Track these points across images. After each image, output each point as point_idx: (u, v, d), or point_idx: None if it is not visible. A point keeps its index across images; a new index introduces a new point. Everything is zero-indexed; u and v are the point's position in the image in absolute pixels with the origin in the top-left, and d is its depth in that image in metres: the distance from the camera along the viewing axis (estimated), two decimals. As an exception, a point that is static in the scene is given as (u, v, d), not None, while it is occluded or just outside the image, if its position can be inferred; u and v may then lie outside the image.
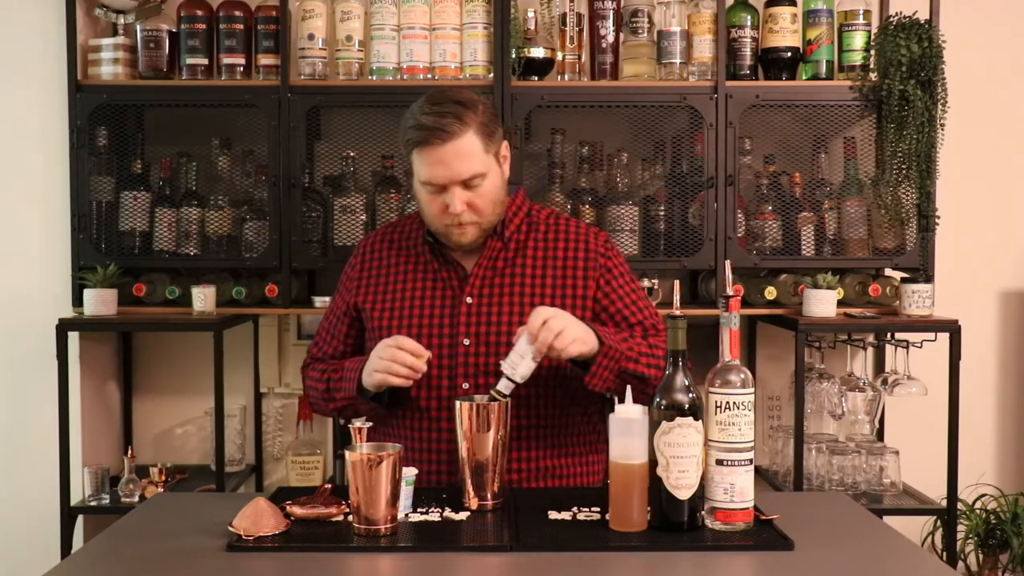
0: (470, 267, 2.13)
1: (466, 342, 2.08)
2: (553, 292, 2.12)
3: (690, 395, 1.72)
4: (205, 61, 3.06)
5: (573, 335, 1.92)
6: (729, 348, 1.75)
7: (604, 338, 1.97)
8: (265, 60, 3.05)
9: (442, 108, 2.02)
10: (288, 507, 1.81)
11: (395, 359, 1.96)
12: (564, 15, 3.05)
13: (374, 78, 3.04)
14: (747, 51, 3.06)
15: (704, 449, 1.74)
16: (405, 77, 3.02)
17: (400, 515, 1.81)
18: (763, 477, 3.15)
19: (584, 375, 2.00)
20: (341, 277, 2.27)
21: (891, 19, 3.03)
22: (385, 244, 2.23)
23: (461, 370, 2.07)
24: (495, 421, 1.87)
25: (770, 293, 3.03)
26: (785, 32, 3.05)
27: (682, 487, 1.72)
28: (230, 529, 1.72)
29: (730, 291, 1.81)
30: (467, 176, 2.03)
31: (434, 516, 1.82)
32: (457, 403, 1.89)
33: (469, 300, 2.10)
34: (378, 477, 1.69)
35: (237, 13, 3.05)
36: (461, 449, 1.88)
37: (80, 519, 3.00)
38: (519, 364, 1.93)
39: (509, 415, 1.90)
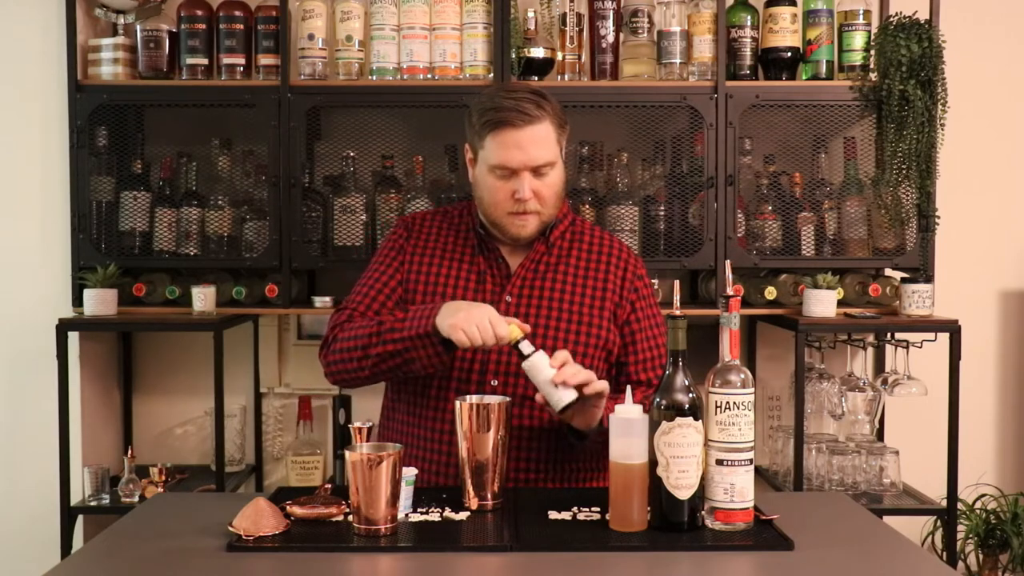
0: (514, 266, 2.15)
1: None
2: (592, 303, 2.13)
3: (690, 395, 1.72)
4: (205, 61, 3.06)
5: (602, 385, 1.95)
6: (729, 348, 1.76)
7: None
8: (265, 60, 3.05)
9: (520, 94, 2.07)
10: (288, 507, 1.81)
11: (483, 326, 1.90)
12: (564, 15, 3.05)
13: (374, 78, 3.04)
14: (747, 51, 3.06)
15: (704, 449, 1.74)
16: (405, 77, 3.02)
17: (400, 515, 1.81)
18: (763, 477, 3.15)
19: (571, 431, 2.02)
20: (386, 244, 2.23)
21: (891, 19, 3.03)
22: (434, 228, 2.22)
23: (492, 367, 2.07)
24: (495, 421, 1.87)
25: (770, 293, 3.03)
26: (785, 32, 3.05)
27: (682, 487, 1.72)
28: (230, 529, 1.72)
29: (730, 291, 1.81)
30: (541, 162, 2.05)
31: (434, 516, 1.82)
32: (457, 403, 1.89)
33: (509, 299, 2.12)
34: (378, 477, 1.69)
35: (237, 13, 3.05)
36: (461, 449, 1.88)
37: (80, 519, 3.00)
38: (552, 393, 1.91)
39: (509, 415, 1.90)
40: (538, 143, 2.04)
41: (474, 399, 1.90)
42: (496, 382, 2.08)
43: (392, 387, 2.22)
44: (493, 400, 1.90)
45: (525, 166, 2.04)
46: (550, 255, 2.17)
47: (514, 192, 2.06)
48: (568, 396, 1.87)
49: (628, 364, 2.17)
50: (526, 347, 1.90)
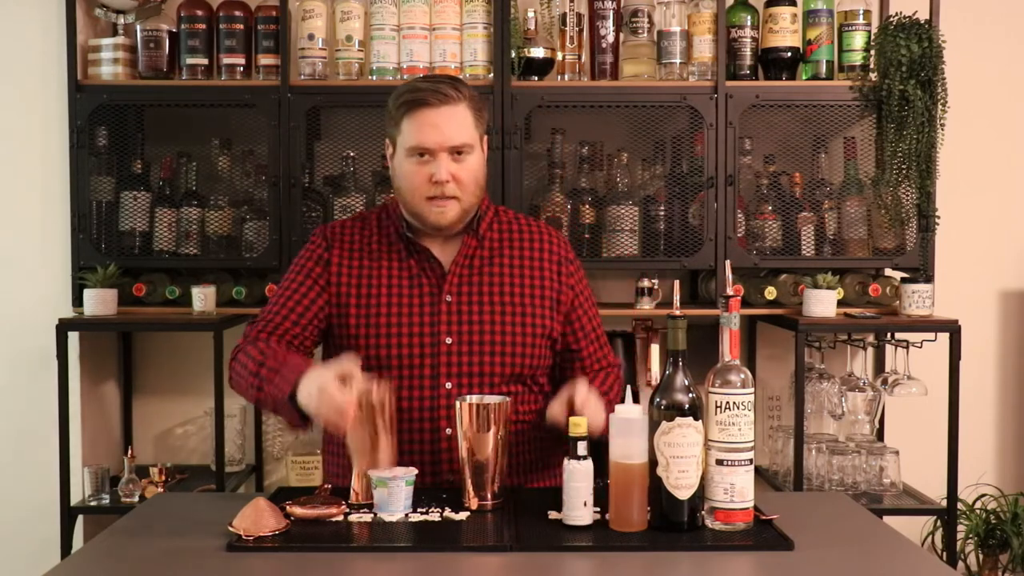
0: (447, 264, 2.11)
1: (448, 340, 2.06)
2: (532, 293, 2.12)
3: (690, 395, 1.72)
4: (205, 61, 3.06)
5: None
6: (729, 348, 1.76)
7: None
8: (265, 60, 3.05)
9: (437, 78, 2.12)
10: (288, 507, 1.81)
11: (333, 406, 1.80)
12: (564, 15, 3.05)
13: (374, 78, 3.04)
14: (747, 51, 3.06)
15: (704, 449, 1.74)
16: (405, 77, 3.02)
17: (400, 515, 1.82)
18: (763, 477, 3.15)
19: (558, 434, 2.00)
20: (303, 255, 2.15)
21: (891, 19, 3.03)
22: (356, 235, 2.16)
23: (444, 369, 2.06)
24: (495, 421, 1.87)
25: (770, 293, 3.03)
26: (785, 32, 3.05)
27: (682, 487, 1.72)
28: (230, 529, 1.72)
29: (730, 291, 1.81)
30: (458, 142, 2.04)
31: (434, 516, 1.82)
32: (457, 403, 1.89)
33: (449, 299, 2.09)
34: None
35: (237, 13, 3.05)
36: (461, 449, 1.88)
37: (80, 519, 3.00)
38: None
39: (508, 415, 1.90)
40: (455, 124, 2.04)
41: (474, 399, 1.90)
42: (450, 384, 2.05)
43: None
44: (493, 400, 1.89)
45: (441, 146, 2.03)
46: (482, 248, 2.14)
47: (431, 175, 2.03)
48: (586, 519, 1.77)
49: (581, 351, 2.18)
50: (582, 449, 1.78)
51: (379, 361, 2.05)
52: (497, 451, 1.87)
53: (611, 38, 3.06)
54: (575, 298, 2.17)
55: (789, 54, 3.06)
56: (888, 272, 3.17)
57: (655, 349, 3.10)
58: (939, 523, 3.18)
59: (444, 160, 2.03)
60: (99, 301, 2.92)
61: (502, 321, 2.08)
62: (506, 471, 1.92)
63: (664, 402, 1.72)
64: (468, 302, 2.09)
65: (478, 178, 2.09)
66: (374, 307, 2.08)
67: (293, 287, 2.12)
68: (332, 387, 1.79)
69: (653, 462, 1.73)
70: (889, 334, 3.11)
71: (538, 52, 3.03)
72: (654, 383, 3.04)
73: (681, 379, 1.73)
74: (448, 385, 2.05)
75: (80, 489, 2.98)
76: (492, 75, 3.01)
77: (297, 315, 2.09)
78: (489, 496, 1.87)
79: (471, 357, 2.06)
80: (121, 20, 3.06)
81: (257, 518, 1.72)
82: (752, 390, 1.74)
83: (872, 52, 3.04)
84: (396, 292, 2.09)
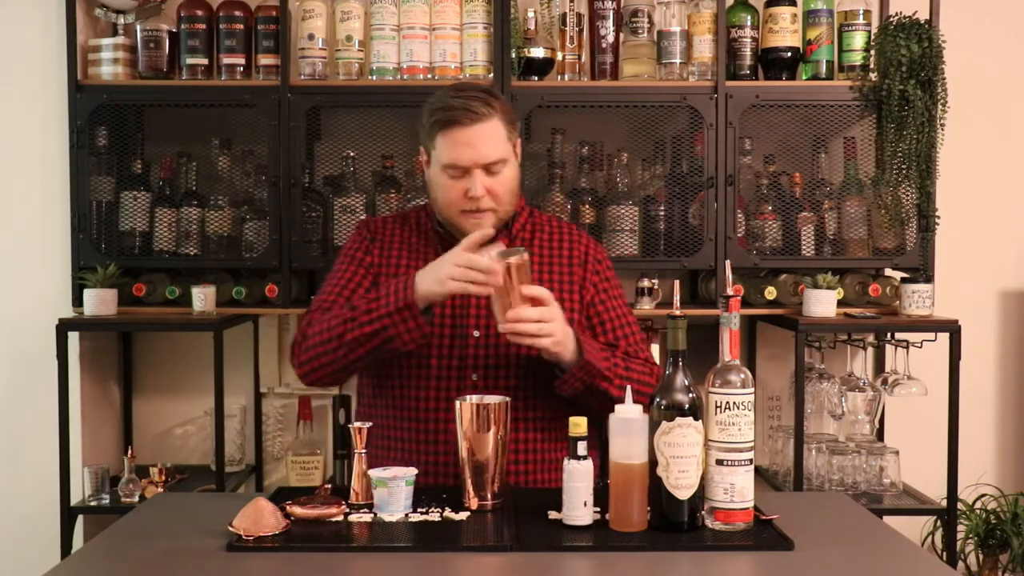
0: None
1: (476, 334, 2.10)
2: (560, 288, 2.16)
3: (690, 395, 1.72)
4: (205, 61, 3.06)
5: (554, 340, 1.97)
6: (729, 348, 1.76)
7: (586, 351, 2.00)
8: (265, 60, 3.05)
9: (469, 93, 2.09)
10: (288, 507, 1.81)
11: (472, 264, 1.92)
12: (564, 15, 3.05)
13: (374, 78, 3.04)
14: (747, 51, 3.06)
15: (704, 449, 1.74)
16: (405, 77, 3.02)
17: (400, 515, 1.82)
18: (763, 477, 3.15)
19: (557, 377, 2.04)
20: (350, 246, 2.22)
21: (891, 19, 3.03)
22: (396, 231, 2.23)
23: (471, 362, 2.09)
24: (495, 421, 1.87)
25: (770, 293, 3.03)
26: (785, 32, 3.05)
27: (682, 487, 1.72)
28: (230, 529, 1.72)
29: (730, 291, 1.81)
30: (491, 159, 2.07)
31: (434, 516, 1.82)
32: (457, 403, 1.89)
33: None
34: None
35: (237, 13, 3.05)
36: (461, 449, 1.88)
37: (80, 519, 3.00)
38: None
39: (509, 415, 1.90)
40: (488, 141, 2.06)
41: (474, 399, 1.90)
42: (476, 376, 2.09)
43: (370, 390, 2.21)
44: (493, 400, 1.89)
45: (476, 163, 2.06)
46: (514, 246, 2.15)
47: (467, 191, 2.07)
48: (586, 519, 1.77)
49: (605, 332, 2.18)
50: (582, 449, 1.78)
51: (408, 352, 2.07)
52: (497, 451, 1.87)
53: (611, 38, 3.06)
54: (597, 295, 2.19)
55: (789, 54, 3.06)
56: (888, 272, 3.17)
57: (655, 349, 3.09)
58: (939, 523, 3.18)
59: (479, 176, 2.07)
60: (99, 301, 2.92)
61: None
62: (506, 471, 1.93)
63: (664, 402, 1.73)
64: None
65: (513, 188, 2.14)
66: None
67: (348, 275, 2.17)
68: (466, 256, 1.92)
69: (653, 462, 1.73)
70: (889, 334, 3.11)
71: (538, 52, 3.03)
72: (654, 383, 3.04)
73: (681, 379, 1.73)
74: (474, 377, 2.08)
75: (80, 489, 2.98)
76: (492, 75, 3.01)
77: (347, 297, 2.13)
78: (489, 496, 1.87)
79: (497, 350, 2.10)
80: (121, 20, 3.06)
81: (257, 518, 1.72)
82: (752, 390, 1.74)
83: (872, 52, 3.04)
84: None
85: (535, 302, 1.96)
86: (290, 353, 2.16)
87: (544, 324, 1.95)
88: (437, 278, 1.95)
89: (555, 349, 1.98)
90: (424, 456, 2.09)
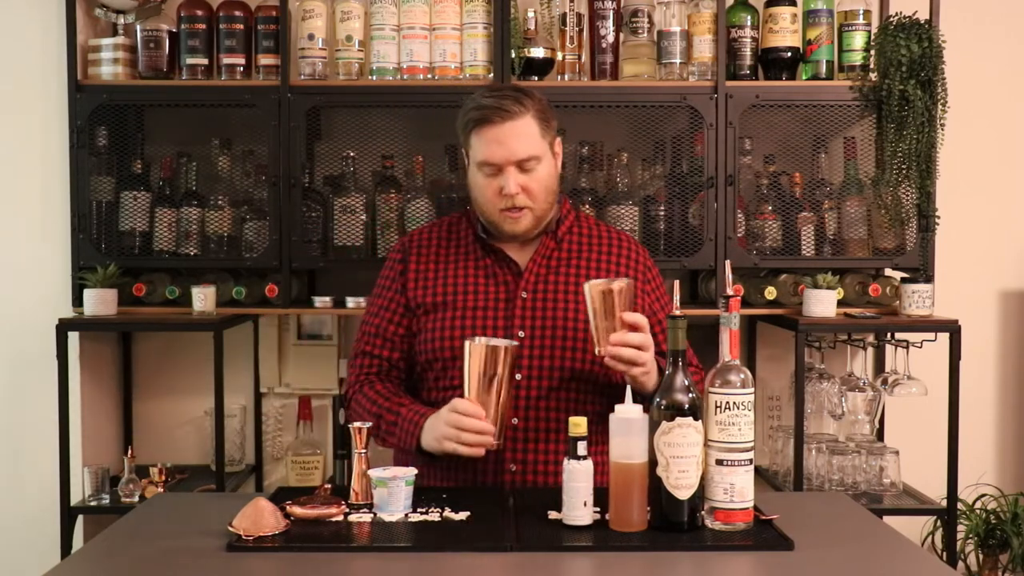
0: (524, 264, 2.17)
1: (521, 334, 2.11)
2: None
3: (690, 395, 1.72)
4: (205, 61, 3.06)
5: (644, 370, 1.99)
6: (729, 348, 1.76)
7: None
8: (265, 60, 3.05)
9: (502, 92, 2.12)
10: (288, 507, 1.81)
11: (461, 426, 1.95)
12: (564, 15, 3.05)
13: (374, 78, 3.04)
14: (747, 51, 3.06)
15: (704, 449, 1.74)
16: (405, 77, 3.02)
17: (400, 515, 1.82)
18: (763, 477, 3.15)
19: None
20: (384, 274, 2.25)
21: (891, 19, 3.03)
22: (434, 241, 2.24)
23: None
24: (503, 363, 1.92)
25: (770, 293, 3.03)
26: (785, 32, 3.05)
27: (682, 487, 1.72)
28: (230, 529, 1.72)
29: (730, 291, 1.81)
30: (523, 156, 2.08)
31: (434, 516, 1.82)
32: (466, 343, 1.94)
33: (524, 295, 2.14)
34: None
35: (237, 13, 3.05)
36: (467, 391, 1.94)
37: (80, 519, 3.00)
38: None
39: (515, 360, 1.95)
40: (519, 138, 2.08)
41: (483, 340, 1.94)
42: (520, 376, 2.09)
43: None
44: (502, 343, 1.93)
45: (507, 161, 2.08)
46: (560, 250, 2.19)
47: (501, 188, 2.09)
48: (586, 519, 1.78)
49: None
50: (582, 449, 1.78)
51: (452, 352, 2.10)
52: (499, 394, 1.93)
53: (611, 38, 3.06)
54: (651, 304, 2.21)
55: (789, 54, 3.06)
56: (888, 272, 3.17)
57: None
58: (939, 523, 3.18)
59: (512, 174, 2.09)
60: (99, 301, 2.92)
61: (575, 318, 2.12)
62: (509, 416, 1.99)
63: (664, 402, 1.73)
64: (543, 299, 2.14)
65: (548, 186, 2.14)
66: (450, 302, 2.15)
67: (378, 310, 2.22)
68: (455, 418, 1.95)
69: (653, 462, 1.73)
70: (889, 334, 3.11)
71: (538, 52, 3.03)
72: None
73: (681, 379, 1.73)
74: (518, 377, 2.09)
75: (80, 489, 2.98)
76: (492, 75, 3.01)
77: (390, 345, 2.19)
78: (492, 438, 1.93)
79: (542, 351, 2.11)
80: (121, 20, 3.06)
81: (257, 518, 1.72)
82: (752, 390, 1.74)
83: (872, 52, 3.04)
84: (472, 288, 2.16)
85: (633, 328, 1.97)
86: (343, 397, 2.27)
87: (642, 353, 1.96)
88: (435, 436, 2.00)
89: (643, 379, 1.98)
90: (466, 461, 2.07)
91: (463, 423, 1.95)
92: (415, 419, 2.06)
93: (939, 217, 3.02)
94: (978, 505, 3.28)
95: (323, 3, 3.05)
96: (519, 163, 2.09)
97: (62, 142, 3.06)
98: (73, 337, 3.04)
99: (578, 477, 1.75)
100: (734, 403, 1.72)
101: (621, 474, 1.73)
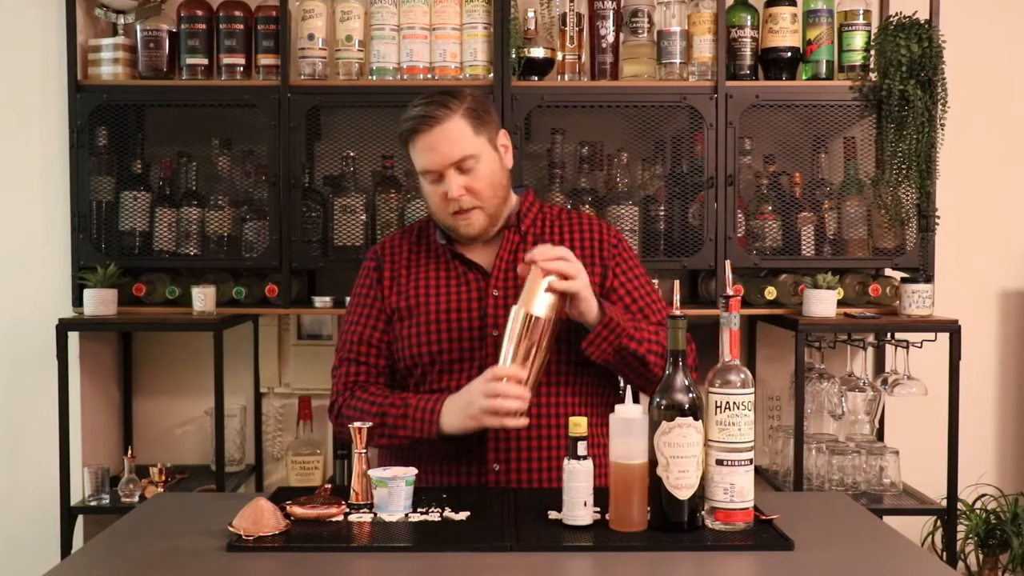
0: (491, 262, 2.16)
1: (495, 333, 2.10)
2: None
3: (690, 395, 1.72)
4: (205, 61, 3.06)
5: (584, 279, 1.98)
6: (729, 348, 1.76)
7: (607, 309, 2.01)
8: (265, 60, 3.05)
9: (428, 100, 2.11)
10: (288, 507, 1.81)
11: (500, 392, 1.94)
12: (564, 15, 3.05)
13: (374, 78, 3.04)
14: (747, 51, 3.06)
15: (704, 449, 1.74)
16: (405, 77, 3.03)
17: (400, 515, 1.82)
18: (763, 477, 3.15)
19: (584, 342, 2.04)
20: (360, 283, 2.24)
21: (891, 19, 3.03)
22: (404, 247, 2.24)
23: (491, 361, 2.07)
24: (544, 331, 1.95)
25: (770, 293, 3.03)
26: (785, 32, 3.05)
27: (682, 487, 1.72)
28: (230, 529, 1.72)
29: (730, 291, 1.81)
30: (458, 157, 2.08)
31: (434, 516, 1.82)
32: (513, 308, 1.96)
33: (495, 292, 2.13)
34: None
35: (237, 13, 3.05)
36: (505, 356, 1.95)
37: (80, 519, 3.00)
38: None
39: (551, 332, 1.97)
40: (450, 140, 2.08)
41: (523, 308, 1.96)
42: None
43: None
44: (542, 313, 1.95)
45: (443, 165, 2.08)
46: (525, 243, 2.17)
47: (445, 193, 2.09)
48: (586, 519, 1.77)
49: (628, 304, 2.17)
50: (582, 449, 1.78)
51: (430, 356, 2.11)
52: (534, 364, 1.95)
53: (611, 38, 3.06)
54: (616, 276, 2.18)
55: (789, 54, 3.06)
56: (888, 272, 3.17)
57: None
58: (939, 523, 3.18)
59: (452, 177, 2.09)
60: (99, 301, 2.93)
61: None
62: (539, 382, 1.99)
63: (664, 402, 1.73)
64: (515, 295, 2.11)
65: (494, 182, 2.13)
66: (423, 306, 2.14)
67: (356, 318, 2.20)
68: (492, 386, 1.94)
69: (653, 462, 1.73)
70: (889, 334, 3.11)
71: (538, 52, 3.03)
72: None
73: (681, 379, 1.73)
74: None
75: (80, 489, 2.98)
76: (492, 75, 3.01)
77: (375, 352, 2.17)
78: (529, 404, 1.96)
79: None
80: (121, 20, 3.06)
81: (257, 518, 1.72)
82: (752, 390, 1.74)
83: (872, 52, 3.04)
84: (444, 291, 2.15)
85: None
86: (328, 409, 2.21)
87: (568, 263, 1.95)
88: (469, 414, 1.98)
89: (586, 292, 1.98)
90: (439, 455, 2.09)
91: (502, 388, 1.93)
92: (429, 406, 2.04)
93: (939, 217, 3.02)
94: (978, 505, 3.28)
95: (323, 3, 3.06)
96: (456, 165, 2.08)
97: (62, 142, 3.06)
98: (73, 337, 3.04)
99: (578, 477, 1.75)
100: (734, 403, 1.72)
101: (621, 474, 1.72)
